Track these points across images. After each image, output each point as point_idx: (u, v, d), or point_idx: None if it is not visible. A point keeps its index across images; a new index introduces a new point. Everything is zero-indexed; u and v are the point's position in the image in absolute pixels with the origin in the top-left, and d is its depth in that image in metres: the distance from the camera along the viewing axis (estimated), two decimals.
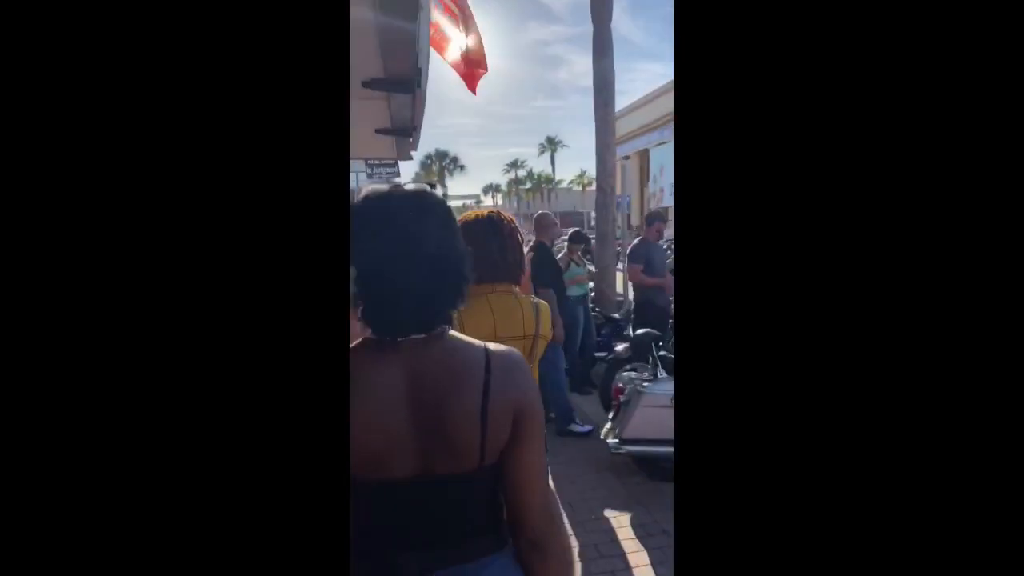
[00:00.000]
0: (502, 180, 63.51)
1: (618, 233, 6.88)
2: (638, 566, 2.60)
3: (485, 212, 1.66)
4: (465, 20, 3.63)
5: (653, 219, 5.12)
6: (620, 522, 2.98)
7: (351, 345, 0.88)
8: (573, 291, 4.77)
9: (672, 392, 3.10)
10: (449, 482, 0.87)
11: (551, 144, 56.16)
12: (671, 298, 4.66)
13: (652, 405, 3.24)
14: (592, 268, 5.82)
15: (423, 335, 0.88)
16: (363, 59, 2.12)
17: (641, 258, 4.87)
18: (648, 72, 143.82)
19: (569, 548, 0.98)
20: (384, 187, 0.91)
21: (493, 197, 61.88)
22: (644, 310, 4.87)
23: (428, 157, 56.38)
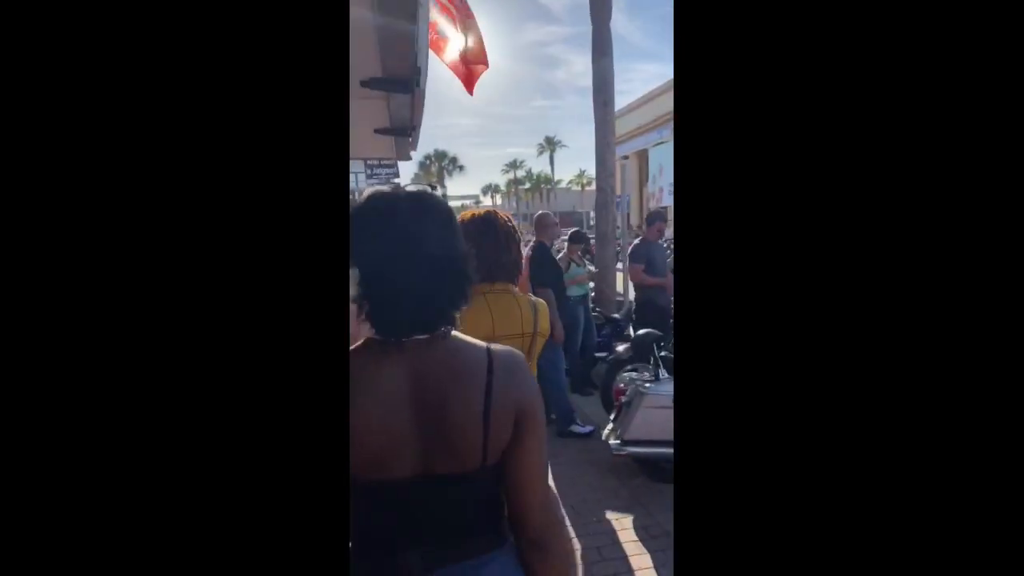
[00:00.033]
0: (501, 180, 63.65)
1: (618, 233, 6.88)
2: (640, 569, 2.59)
3: (482, 211, 1.67)
4: (463, 19, 3.62)
5: (654, 219, 5.12)
6: (622, 524, 2.97)
7: (355, 346, 0.89)
8: (573, 291, 4.77)
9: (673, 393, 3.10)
10: (450, 482, 0.87)
11: (550, 144, 56.24)
12: (672, 298, 4.66)
13: (654, 406, 3.23)
14: (592, 268, 5.82)
15: (426, 335, 0.88)
16: (362, 58, 2.12)
17: (642, 258, 4.87)
18: (645, 72, 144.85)
19: (571, 548, 0.98)
20: (386, 188, 0.92)
21: (492, 197, 61.98)
22: (645, 310, 4.88)
23: (427, 157, 56.45)
